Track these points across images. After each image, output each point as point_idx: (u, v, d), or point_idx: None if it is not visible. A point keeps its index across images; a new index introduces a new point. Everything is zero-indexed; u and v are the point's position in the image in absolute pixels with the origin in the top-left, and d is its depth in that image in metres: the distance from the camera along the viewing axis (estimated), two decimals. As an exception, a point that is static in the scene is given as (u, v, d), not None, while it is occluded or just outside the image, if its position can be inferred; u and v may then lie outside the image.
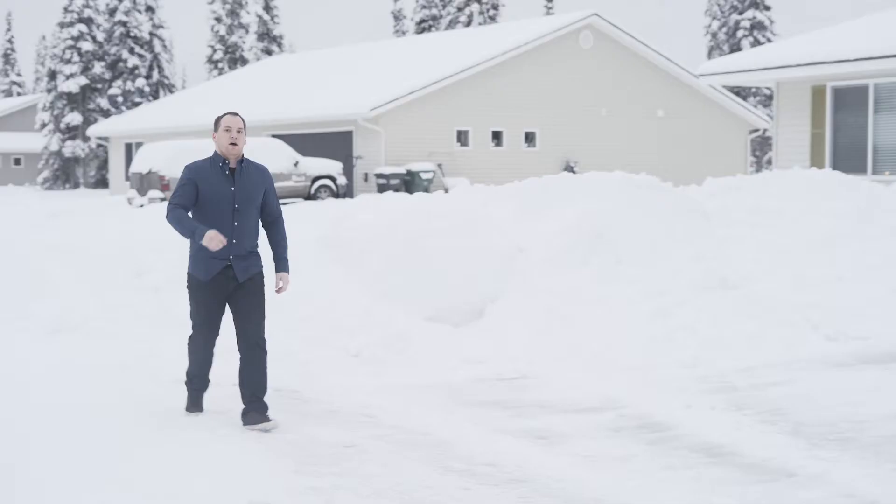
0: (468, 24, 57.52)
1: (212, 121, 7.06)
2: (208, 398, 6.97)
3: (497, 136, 33.08)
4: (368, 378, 8.17)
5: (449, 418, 6.93)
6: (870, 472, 5.49)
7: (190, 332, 6.76)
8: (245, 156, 6.61)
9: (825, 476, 5.44)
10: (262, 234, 6.79)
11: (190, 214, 6.46)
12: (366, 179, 31.09)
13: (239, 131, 6.53)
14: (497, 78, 32.79)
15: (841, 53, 18.65)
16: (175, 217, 6.38)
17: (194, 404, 6.83)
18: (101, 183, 52.97)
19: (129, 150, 42.47)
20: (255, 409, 6.51)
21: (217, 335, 6.71)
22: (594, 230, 9.45)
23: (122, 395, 7.21)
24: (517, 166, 31.95)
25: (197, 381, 6.81)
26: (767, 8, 59.43)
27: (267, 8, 59.92)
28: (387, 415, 6.99)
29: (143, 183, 26.00)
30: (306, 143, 32.66)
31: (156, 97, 53.80)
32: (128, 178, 30.61)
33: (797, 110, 19.89)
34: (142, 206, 23.98)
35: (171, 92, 55.01)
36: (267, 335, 6.70)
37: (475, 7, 57.39)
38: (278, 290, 6.65)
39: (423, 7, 61.72)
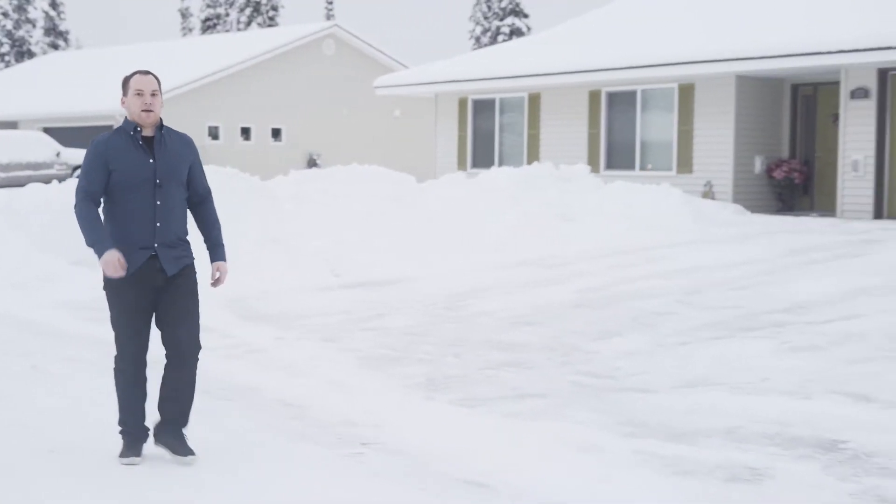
0: (248, 23, 61.62)
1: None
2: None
3: (246, 132, 37.61)
4: (22, 300, 12.62)
5: (65, 316, 11.42)
6: (275, 335, 10.30)
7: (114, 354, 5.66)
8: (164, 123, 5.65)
9: (242, 336, 10.24)
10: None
11: (102, 200, 5.52)
12: (125, 168, 35.18)
13: (153, 94, 5.50)
14: (247, 79, 37.33)
15: (476, 74, 23.93)
16: (83, 215, 5.40)
17: (129, 451, 5.65)
18: None
19: (-87, 139, 45.19)
20: (174, 433, 5.65)
21: (147, 349, 5.62)
22: (191, 205, 14.16)
23: None
24: (264, 159, 36.61)
25: (133, 428, 5.67)
26: (526, 16, 65.46)
27: (53, 4, 62.77)
28: (23, 314, 11.48)
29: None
30: (75, 136, 36.50)
31: (-57, 87, 56.13)
32: None
33: (449, 117, 25.11)
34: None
35: (-41, 82, 57.36)
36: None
37: (240, 13, 61.29)
38: (214, 283, 5.71)
39: (209, 6, 65.46)
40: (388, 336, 9.85)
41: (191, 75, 36.22)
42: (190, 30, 69.27)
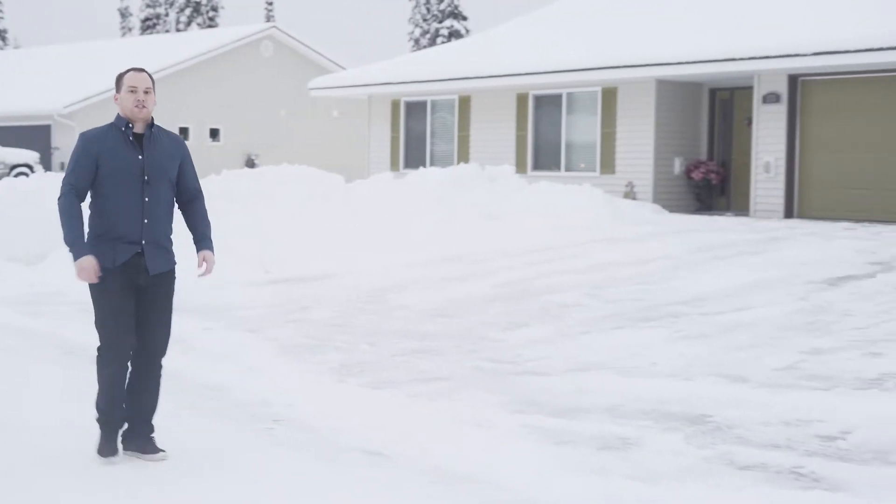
0: (188, 24, 61.76)
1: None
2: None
3: (184, 132, 37.91)
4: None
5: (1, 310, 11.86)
6: (203, 325, 10.79)
7: (97, 348, 5.67)
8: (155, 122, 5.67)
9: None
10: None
11: (91, 194, 5.56)
12: (62, 168, 35.37)
13: (147, 91, 5.58)
14: (185, 80, 37.64)
15: (408, 76, 24.53)
16: (65, 210, 5.44)
17: (108, 446, 5.71)
18: None
19: None
20: (141, 434, 5.75)
21: (132, 341, 5.63)
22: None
23: None
24: (203, 158, 36.86)
25: (113, 414, 5.70)
26: (465, 18, 66.17)
27: (-9, 3, 62.52)
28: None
29: None
30: (12, 135, 36.57)
31: None
32: None
33: (382, 119, 25.70)
34: None
35: None
36: None
37: (179, 13, 61.38)
38: (202, 273, 5.76)
39: (148, 6, 65.46)
40: (309, 327, 10.42)
41: (128, 75, 36.51)
42: (129, 29, 69.17)
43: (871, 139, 18.52)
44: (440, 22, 65.34)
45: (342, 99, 36.03)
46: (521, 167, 22.18)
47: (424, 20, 66.04)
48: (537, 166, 22.47)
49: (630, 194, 20.85)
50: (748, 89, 20.24)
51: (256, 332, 10.17)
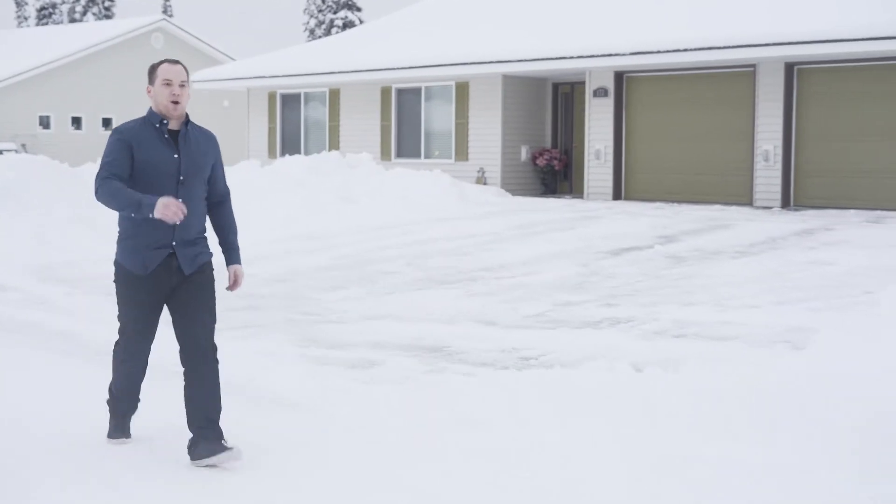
0: (84, 13, 62.52)
1: None
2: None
3: (77, 121, 39.25)
4: None
5: None
6: (66, 291, 12.60)
7: (116, 338, 5.74)
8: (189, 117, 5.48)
9: (38, 292, 12.51)
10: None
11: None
12: (-44, 156, 36.52)
13: (182, 85, 5.33)
14: (78, 70, 38.95)
15: (283, 70, 26.35)
16: (109, 191, 5.14)
17: (119, 429, 5.79)
18: None
19: None
20: (207, 438, 5.43)
21: (152, 342, 5.71)
22: (4, 188, 16.33)
23: None
24: (95, 147, 38.27)
25: (125, 401, 5.75)
26: (359, 9, 67.81)
27: None
28: None
29: None
30: None
31: None
32: None
33: (260, 110, 27.49)
34: None
35: None
36: None
37: (75, 2, 61.97)
38: (231, 287, 5.71)
39: (44, -5, 66.06)
40: (160, 291, 12.29)
41: (23, 65, 37.70)
42: (25, 18, 69.58)
43: (682, 130, 20.92)
44: (335, 13, 66.91)
45: (225, 91, 37.65)
46: (385, 155, 24.19)
47: (320, 11, 67.52)
48: (400, 154, 24.49)
49: (481, 179, 22.97)
50: (584, 84, 22.48)
51: (110, 295, 11.96)
